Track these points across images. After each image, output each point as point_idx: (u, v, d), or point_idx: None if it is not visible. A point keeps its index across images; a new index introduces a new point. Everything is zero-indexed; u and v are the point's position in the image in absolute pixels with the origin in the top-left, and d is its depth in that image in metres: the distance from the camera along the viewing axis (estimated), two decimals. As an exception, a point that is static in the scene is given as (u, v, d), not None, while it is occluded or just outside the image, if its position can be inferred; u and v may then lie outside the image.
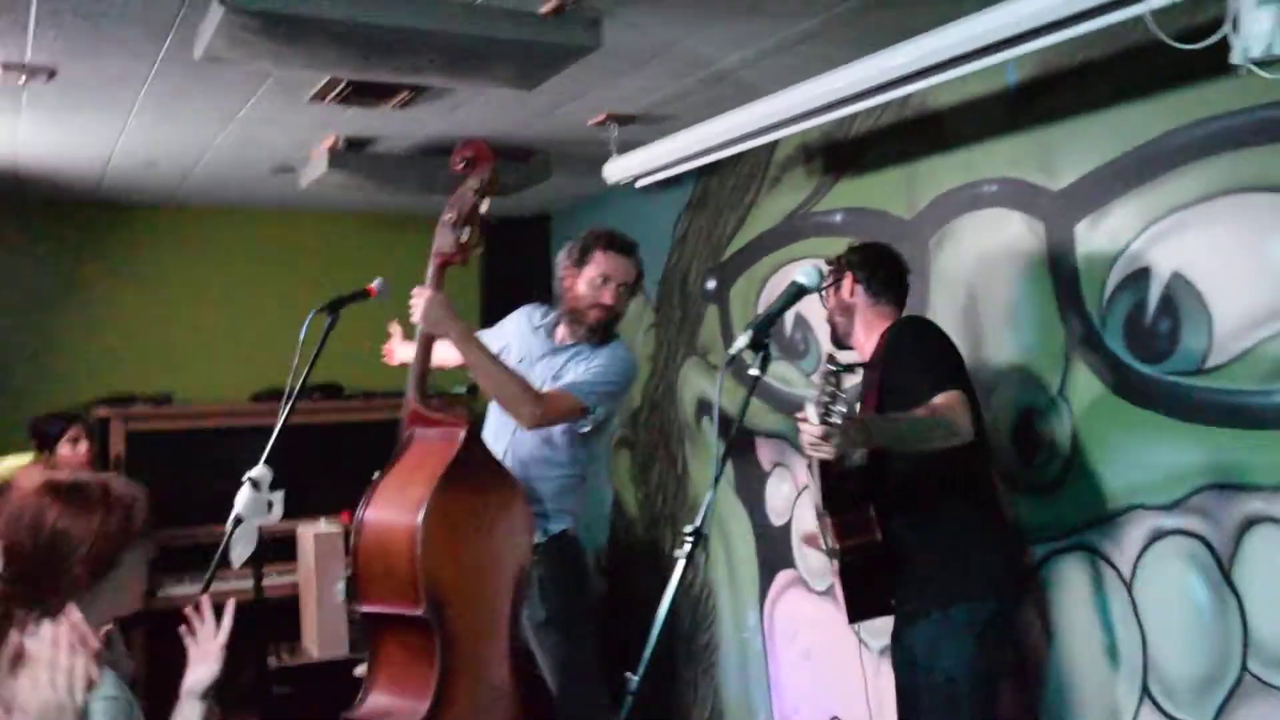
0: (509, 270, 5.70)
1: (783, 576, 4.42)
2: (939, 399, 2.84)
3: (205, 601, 2.24)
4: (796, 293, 2.49)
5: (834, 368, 2.86)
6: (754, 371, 2.32)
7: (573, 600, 3.47)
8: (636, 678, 2.19)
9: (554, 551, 3.48)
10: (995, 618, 2.98)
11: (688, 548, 2.15)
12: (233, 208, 5.62)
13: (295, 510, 4.29)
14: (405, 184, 4.42)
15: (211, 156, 4.53)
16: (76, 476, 2.11)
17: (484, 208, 3.20)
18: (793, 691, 4.38)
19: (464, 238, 3.20)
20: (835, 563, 3.10)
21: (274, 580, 4.70)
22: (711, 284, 4.79)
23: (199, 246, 5.65)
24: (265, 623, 4.38)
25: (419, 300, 3.16)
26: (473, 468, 3.07)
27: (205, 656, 2.17)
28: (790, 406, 4.24)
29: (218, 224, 5.67)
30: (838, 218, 4.08)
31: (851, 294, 3.22)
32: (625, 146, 4.20)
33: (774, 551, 4.46)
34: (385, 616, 3.01)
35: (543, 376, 3.46)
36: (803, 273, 2.50)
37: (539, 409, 3.25)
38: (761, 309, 2.42)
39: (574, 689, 3.47)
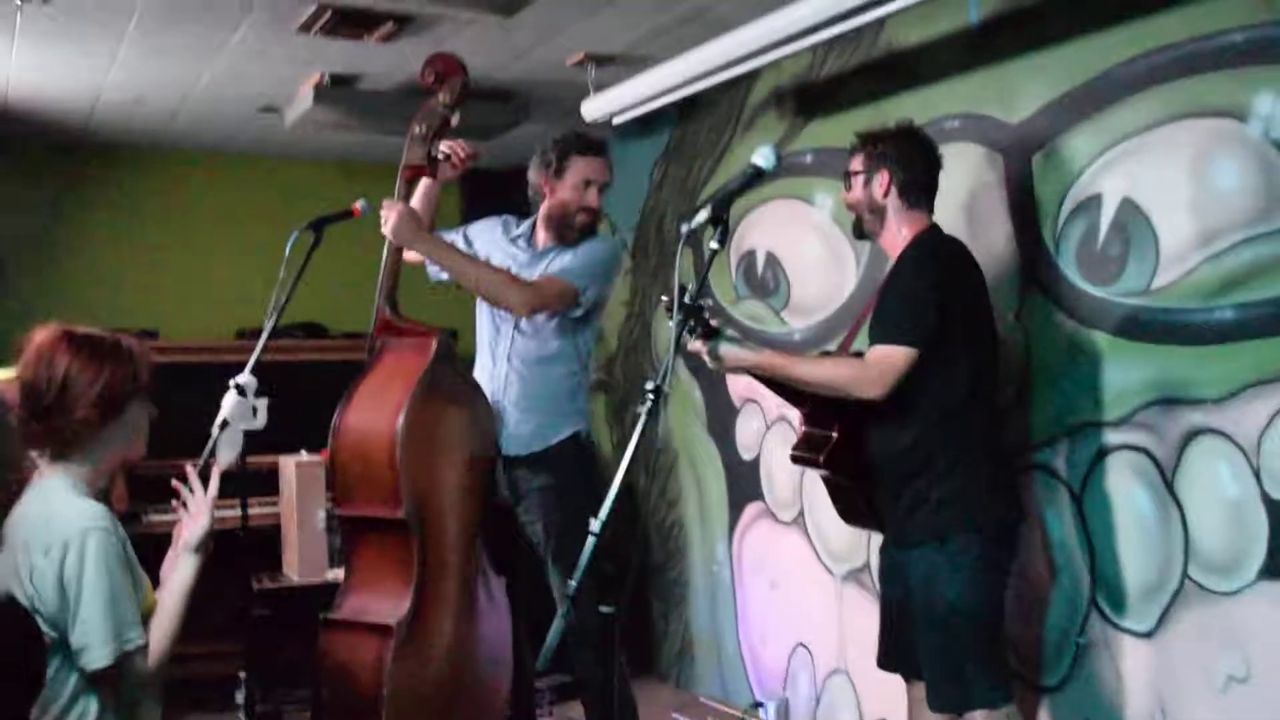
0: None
1: (751, 509, 4.54)
2: (874, 352, 2.83)
3: (190, 470, 2.39)
4: (754, 175, 2.56)
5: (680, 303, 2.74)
6: (714, 245, 2.42)
7: (583, 509, 3.34)
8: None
9: (567, 457, 3.43)
10: (993, 548, 2.87)
11: (649, 402, 2.25)
12: (219, 151, 5.70)
13: (278, 445, 4.43)
14: (389, 121, 4.50)
15: (199, 93, 4.61)
16: (90, 330, 2.25)
17: (454, 120, 3.26)
18: (760, 621, 4.51)
19: (434, 151, 3.28)
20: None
21: (257, 511, 4.80)
22: (686, 228, 4.87)
23: (186, 189, 5.72)
24: (249, 551, 4.48)
25: (388, 213, 3.19)
26: (445, 375, 3.16)
27: (195, 516, 2.33)
28: (760, 343, 4.35)
29: (205, 167, 5.74)
30: (808, 158, 4.20)
31: (885, 194, 2.98)
32: (603, 88, 4.31)
33: (744, 485, 4.59)
34: (364, 520, 3.08)
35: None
36: (761, 155, 2.53)
37: (529, 292, 3.28)
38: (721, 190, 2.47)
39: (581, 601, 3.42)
